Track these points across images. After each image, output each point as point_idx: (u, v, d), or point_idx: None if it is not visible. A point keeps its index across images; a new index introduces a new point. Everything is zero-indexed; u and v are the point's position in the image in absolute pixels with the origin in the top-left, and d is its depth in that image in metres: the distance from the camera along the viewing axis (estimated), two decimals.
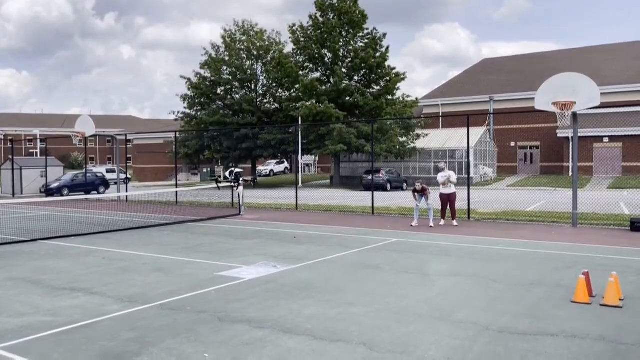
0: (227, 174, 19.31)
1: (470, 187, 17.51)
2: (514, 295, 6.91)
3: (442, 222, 14.77)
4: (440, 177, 14.94)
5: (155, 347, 4.99)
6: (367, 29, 36.79)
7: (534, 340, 5.14)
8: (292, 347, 4.99)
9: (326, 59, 37.19)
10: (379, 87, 36.97)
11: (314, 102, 35.06)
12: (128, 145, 53.94)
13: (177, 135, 29.65)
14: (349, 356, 4.74)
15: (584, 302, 6.44)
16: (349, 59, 36.60)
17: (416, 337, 5.26)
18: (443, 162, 15.88)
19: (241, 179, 18.66)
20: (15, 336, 5.34)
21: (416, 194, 15.17)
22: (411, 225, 14.53)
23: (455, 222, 14.61)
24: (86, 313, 6.18)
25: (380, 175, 32.01)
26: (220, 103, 39.92)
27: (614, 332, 5.37)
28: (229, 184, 19.06)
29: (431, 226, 14.32)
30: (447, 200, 14.73)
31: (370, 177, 28.19)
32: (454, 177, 14.82)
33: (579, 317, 5.90)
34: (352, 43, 36.80)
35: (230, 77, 39.80)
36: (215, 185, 19.19)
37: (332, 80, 36.41)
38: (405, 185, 34.46)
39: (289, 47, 39.56)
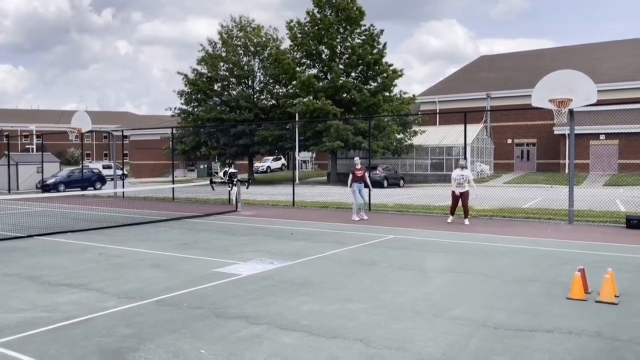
0: (221, 174, 19.25)
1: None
2: (510, 292, 6.94)
3: (450, 219, 14.62)
4: (458, 176, 14.38)
5: (151, 343, 4.99)
6: (364, 25, 36.76)
7: (530, 337, 5.16)
8: (289, 343, 5.00)
9: (323, 55, 37.13)
10: (376, 84, 36.94)
11: (311, 98, 35.03)
12: (125, 141, 53.82)
13: (174, 132, 29.55)
14: (346, 352, 4.75)
15: (579, 298, 6.46)
16: (346, 56, 36.56)
17: (413, 333, 5.28)
18: (463, 159, 15.52)
19: (235, 179, 18.59)
20: (11, 332, 5.33)
21: (355, 183, 15.31)
22: (359, 219, 14.98)
23: (466, 221, 14.21)
24: (83, 309, 6.17)
25: (377, 172, 32.02)
26: (217, 99, 39.81)
27: (610, 329, 5.39)
28: (222, 180, 19.01)
29: (354, 219, 14.97)
30: (459, 198, 14.35)
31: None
32: (471, 178, 14.55)
33: (574, 314, 5.92)
34: (350, 39, 36.75)
35: (227, 73, 39.69)
36: (210, 186, 19.12)
37: (329, 76, 36.37)
38: (402, 182, 34.50)
39: (286, 44, 39.51)
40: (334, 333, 5.26)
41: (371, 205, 18.31)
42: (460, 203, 14.36)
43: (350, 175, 15.58)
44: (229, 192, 19.42)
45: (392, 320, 5.71)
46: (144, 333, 5.29)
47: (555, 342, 5.02)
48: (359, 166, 15.61)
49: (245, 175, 38.27)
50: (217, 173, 39.71)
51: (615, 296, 6.47)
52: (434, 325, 5.51)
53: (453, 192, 14.50)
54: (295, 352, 4.75)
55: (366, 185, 15.66)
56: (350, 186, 15.49)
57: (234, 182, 18.54)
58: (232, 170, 18.86)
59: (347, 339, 5.10)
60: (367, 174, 15.59)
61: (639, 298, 6.61)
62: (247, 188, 22.35)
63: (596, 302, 6.36)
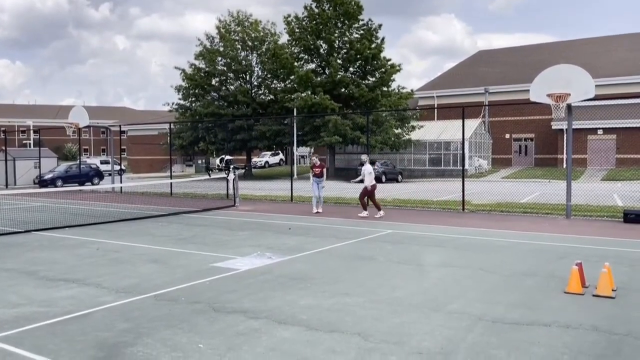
0: (217, 161, 19.41)
1: (465, 179, 17.55)
2: (507, 286, 6.95)
3: (368, 213, 14.90)
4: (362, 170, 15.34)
5: (149, 338, 4.99)
6: (362, 20, 36.70)
7: (527, 330, 5.18)
8: (287, 337, 5.00)
9: (321, 50, 37.06)
10: (374, 79, 36.90)
11: (309, 93, 34.99)
12: (122, 137, 53.73)
13: (172, 127, 29.49)
14: (344, 346, 4.76)
15: (576, 292, 6.48)
16: (344, 50, 36.50)
17: (410, 327, 5.28)
18: (365, 155, 16.11)
19: (232, 166, 18.65)
20: (9, 327, 5.33)
21: (314, 178, 16.11)
22: (316, 212, 15.57)
23: (360, 214, 14.85)
24: (80, 304, 6.17)
25: (375, 167, 32.01)
26: (214, 94, 39.74)
27: (607, 322, 5.41)
28: (219, 171, 19.15)
29: (314, 211, 15.69)
30: (364, 192, 15.00)
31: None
32: (366, 173, 14.98)
33: (571, 308, 5.94)
34: (348, 34, 36.68)
35: (225, 68, 39.59)
36: (207, 173, 19.23)
37: (327, 71, 36.30)
38: (400, 177, 34.51)
39: (284, 38, 39.44)
40: (332, 327, 5.27)
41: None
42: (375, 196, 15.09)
43: (311, 172, 16.63)
44: (226, 178, 19.46)
45: (390, 314, 5.72)
46: (142, 328, 5.29)
47: (553, 335, 5.03)
48: (317, 163, 16.57)
49: (240, 166, 38.29)
50: (213, 169, 39.65)
51: (613, 290, 6.49)
52: (431, 320, 5.52)
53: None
54: (293, 346, 4.76)
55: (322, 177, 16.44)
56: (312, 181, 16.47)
57: (230, 169, 18.61)
58: (228, 157, 18.96)
59: (345, 333, 5.11)
60: (324, 170, 16.55)
61: (636, 292, 6.63)
62: (244, 173, 22.41)
63: (593, 296, 6.37)
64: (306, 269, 8.05)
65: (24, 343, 4.86)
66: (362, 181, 15.26)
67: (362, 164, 15.58)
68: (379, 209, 14.83)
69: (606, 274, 6.47)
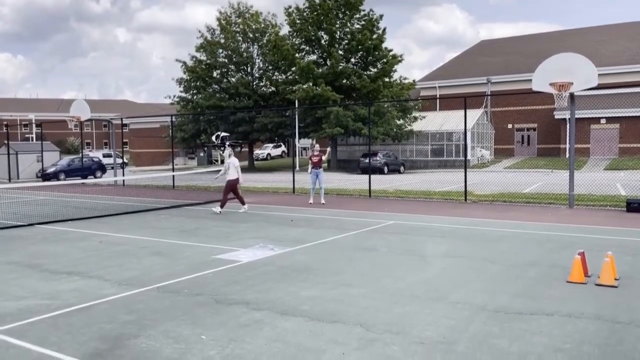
0: (213, 138, 19.26)
1: (467, 170, 17.52)
2: (509, 276, 6.94)
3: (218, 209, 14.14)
4: (226, 163, 14.64)
5: (152, 330, 5.01)
6: (363, 10, 36.54)
7: (530, 320, 5.17)
8: (289, 328, 5.01)
9: (322, 41, 36.91)
10: (375, 70, 36.79)
11: (311, 84, 34.88)
12: (124, 130, 53.80)
13: (174, 119, 29.43)
14: (346, 337, 4.76)
15: (579, 282, 6.47)
16: (346, 41, 36.35)
17: (412, 317, 5.29)
18: (230, 148, 15.80)
19: (227, 142, 18.60)
20: (12, 319, 5.35)
21: (313, 169, 16.03)
22: (309, 203, 15.77)
23: (214, 209, 14.15)
24: (83, 296, 6.18)
25: (378, 158, 31.99)
26: (216, 86, 39.68)
27: (609, 312, 5.40)
28: (220, 163, 19.14)
29: (310, 202, 15.98)
30: (229, 186, 14.30)
31: (367, 160, 28.22)
32: (231, 165, 14.39)
33: (574, 297, 5.93)
34: (349, 25, 36.53)
35: (226, 60, 39.51)
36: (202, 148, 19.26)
37: (328, 62, 36.17)
38: (402, 168, 34.47)
39: (285, 30, 39.29)
40: (334, 318, 5.27)
41: (372, 192, 18.32)
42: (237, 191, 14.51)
43: (310, 162, 16.39)
44: (221, 154, 19.54)
45: (392, 305, 5.72)
46: (145, 319, 5.30)
47: (555, 325, 5.03)
48: (316, 152, 16.29)
49: (244, 163, 38.21)
50: (216, 161, 39.56)
51: (615, 279, 6.48)
52: (433, 310, 5.52)
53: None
54: (295, 337, 4.76)
55: (320, 167, 16.18)
56: (310, 172, 16.30)
57: (226, 145, 18.63)
58: (224, 134, 18.93)
59: (347, 323, 5.11)
60: (323, 157, 16.40)
61: (638, 281, 6.62)
62: (240, 151, 22.37)
63: (596, 285, 6.36)
64: (308, 260, 8.05)
65: (27, 335, 4.88)
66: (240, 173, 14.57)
67: (229, 156, 14.85)
68: (243, 204, 14.48)
69: (609, 263, 6.46)
